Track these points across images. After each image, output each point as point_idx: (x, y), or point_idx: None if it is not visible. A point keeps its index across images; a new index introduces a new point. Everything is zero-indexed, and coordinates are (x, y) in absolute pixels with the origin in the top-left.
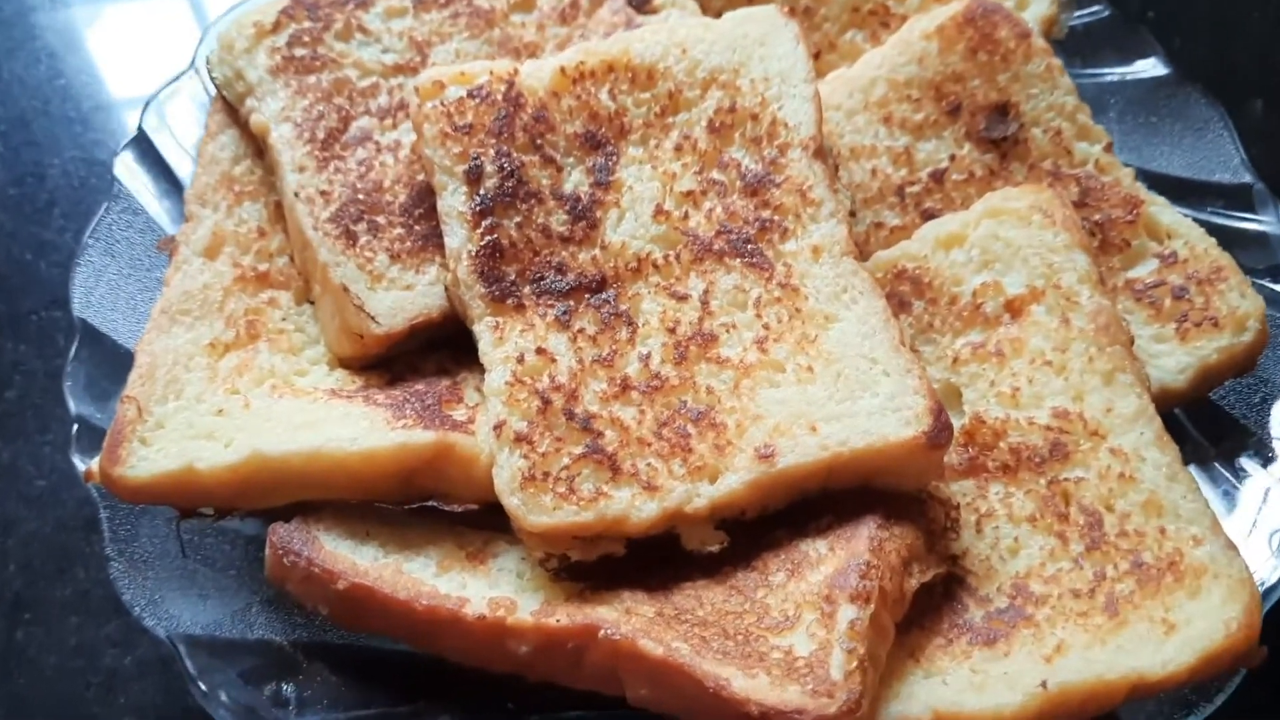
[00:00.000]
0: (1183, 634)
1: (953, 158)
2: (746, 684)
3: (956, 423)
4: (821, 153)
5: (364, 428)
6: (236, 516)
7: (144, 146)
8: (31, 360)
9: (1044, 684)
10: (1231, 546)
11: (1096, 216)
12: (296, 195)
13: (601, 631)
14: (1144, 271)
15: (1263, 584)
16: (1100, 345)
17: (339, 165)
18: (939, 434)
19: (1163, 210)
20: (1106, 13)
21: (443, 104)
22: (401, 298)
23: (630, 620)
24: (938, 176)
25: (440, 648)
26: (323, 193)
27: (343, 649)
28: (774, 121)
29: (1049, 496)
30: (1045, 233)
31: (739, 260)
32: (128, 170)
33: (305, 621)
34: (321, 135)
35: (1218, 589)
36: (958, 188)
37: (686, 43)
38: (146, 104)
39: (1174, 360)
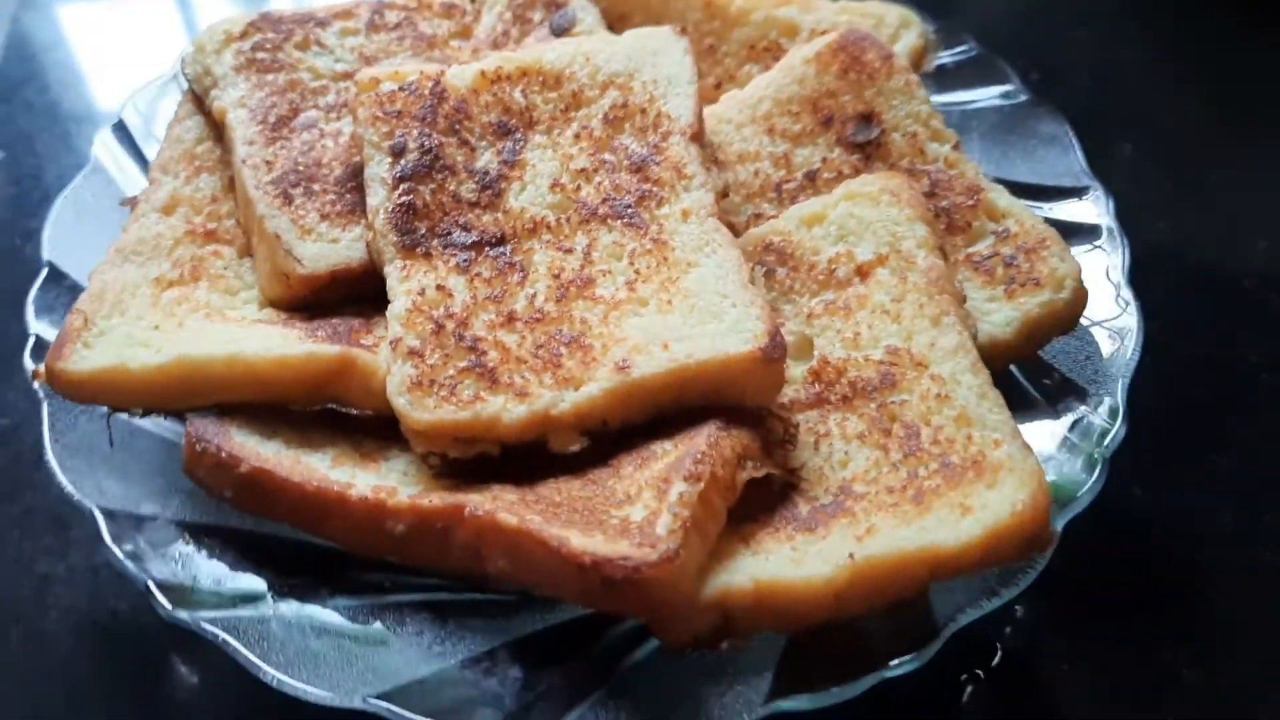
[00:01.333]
0: (977, 516)
1: (824, 160)
2: (584, 541)
3: (805, 365)
4: (698, 138)
5: (278, 341)
6: (161, 416)
7: (121, 131)
8: (7, 324)
9: (851, 555)
10: (1027, 448)
11: (944, 203)
12: (244, 162)
13: (467, 509)
14: (982, 247)
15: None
16: (930, 294)
17: (285, 144)
18: (773, 350)
19: (1000, 196)
20: (974, 51)
21: (377, 94)
22: (326, 248)
23: (494, 502)
24: (811, 176)
25: (326, 530)
26: (267, 162)
27: (243, 533)
28: (659, 114)
29: (877, 418)
30: (892, 209)
31: (619, 222)
32: (104, 148)
33: (214, 509)
34: (272, 120)
35: (1011, 480)
36: (827, 185)
37: (591, 53)
38: (129, 98)
39: (1001, 315)
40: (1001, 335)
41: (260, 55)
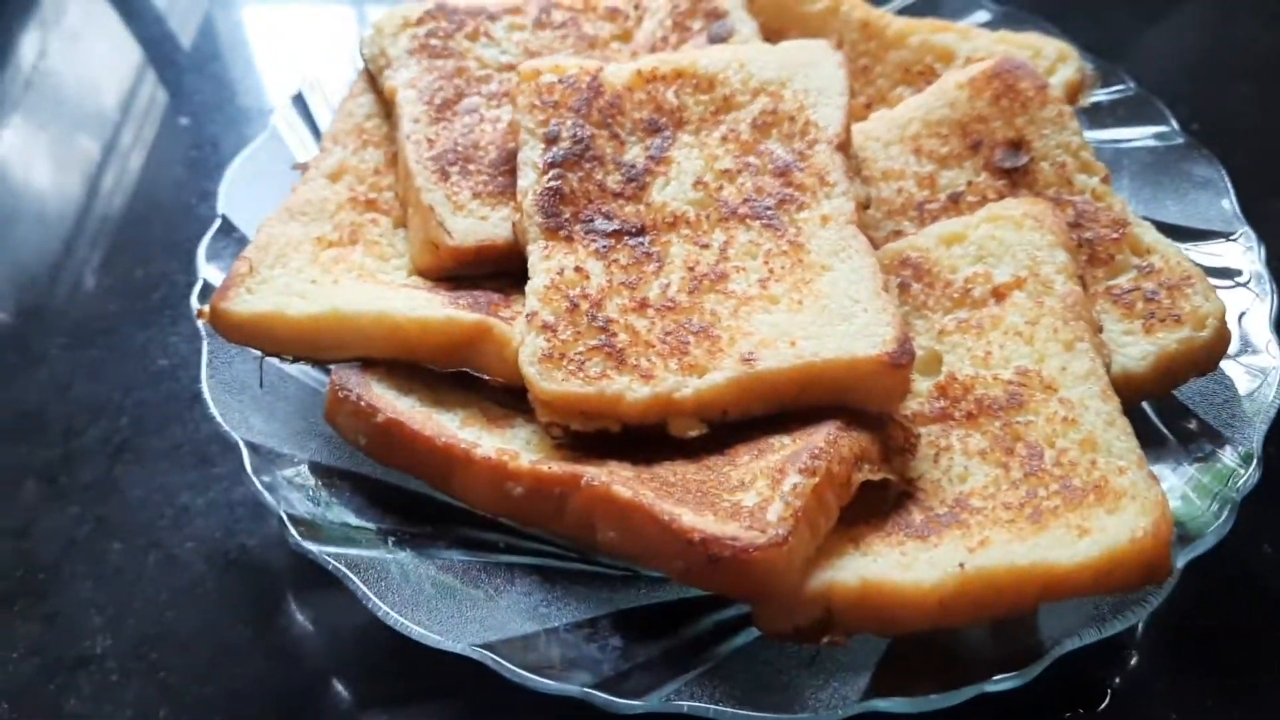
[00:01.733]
0: (1095, 538)
1: (969, 183)
2: (694, 519)
3: (933, 380)
4: (844, 148)
5: (423, 304)
6: (309, 364)
7: (300, 104)
8: (176, 275)
9: (961, 565)
10: (1153, 477)
11: (1087, 234)
12: (408, 137)
13: (584, 479)
14: (1123, 280)
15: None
16: (1065, 320)
17: (447, 125)
18: (900, 355)
19: (1146, 231)
20: (1131, 91)
21: (537, 84)
22: (476, 224)
23: (610, 476)
24: (955, 198)
25: (450, 485)
26: (429, 139)
27: (372, 480)
28: (807, 122)
29: (1000, 436)
30: (1034, 234)
31: (758, 222)
32: (282, 117)
33: (348, 456)
34: (438, 102)
35: (1133, 507)
36: (970, 208)
37: (745, 59)
38: (308, 76)
39: (1138, 349)
40: (1136, 369)
41: (433, 42)
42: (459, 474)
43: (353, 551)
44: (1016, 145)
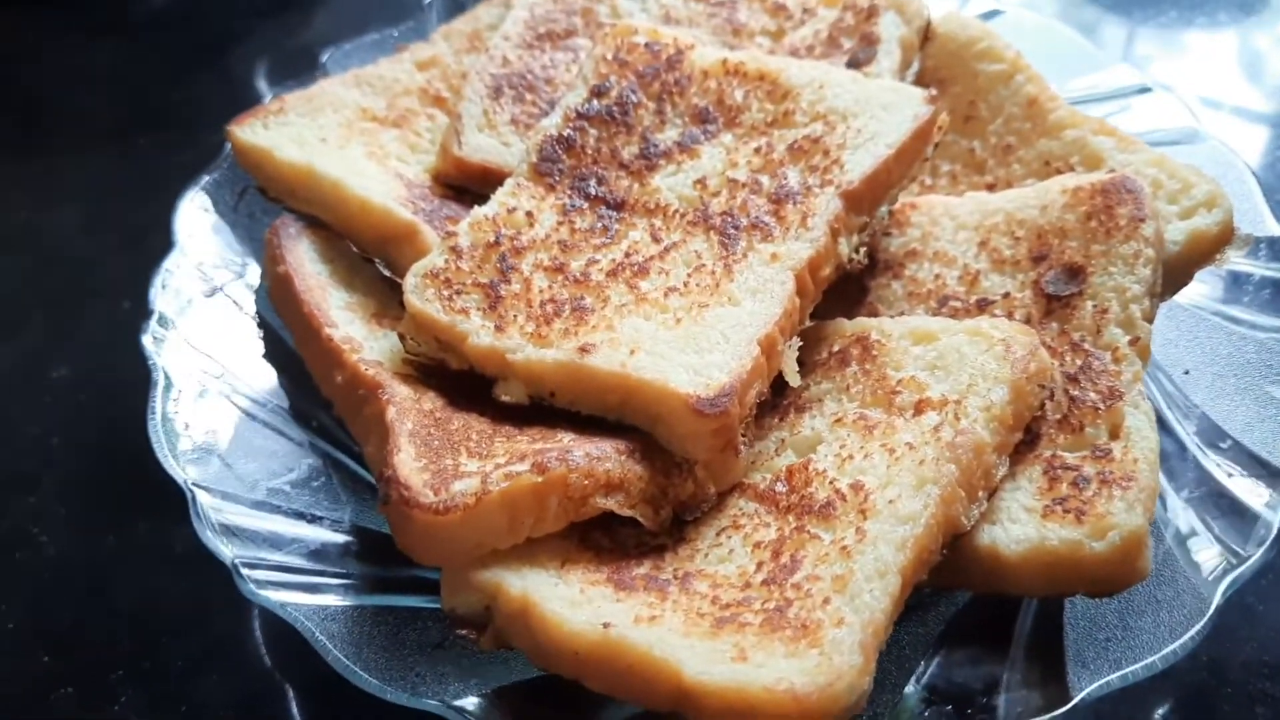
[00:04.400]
0: (743, 669)
1: (1006, 295)
2: (405, 460)
3: (794, 461)
4: (850, 199)
5: (378, 188)
6: (283, 207)
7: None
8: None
9: (606, 625)
10: (868, 653)
11: (1075, 393)
12: (489, 48)
13: (382, 391)
14: (1073, 456)
15: None
16: (940, 458)
17: (537, 52)
18: (709, 404)
19: (1136, 415)
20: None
21: (623, 41)
22: (492, 144)
23: (404, 402)
24: (983, 305)
25: (304, 350)
26: (506, 57)
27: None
28: (836, 161)
29: (782, 537)
30: (990, 361)
31: (718, 236)
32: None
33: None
34: (543, 30)
35: (811, 660)
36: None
37: (829, 83)
38: None
39: (1019, 529)
40: (1006, 554)
41: None
42: (310, 345)
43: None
44: (1075, 272)
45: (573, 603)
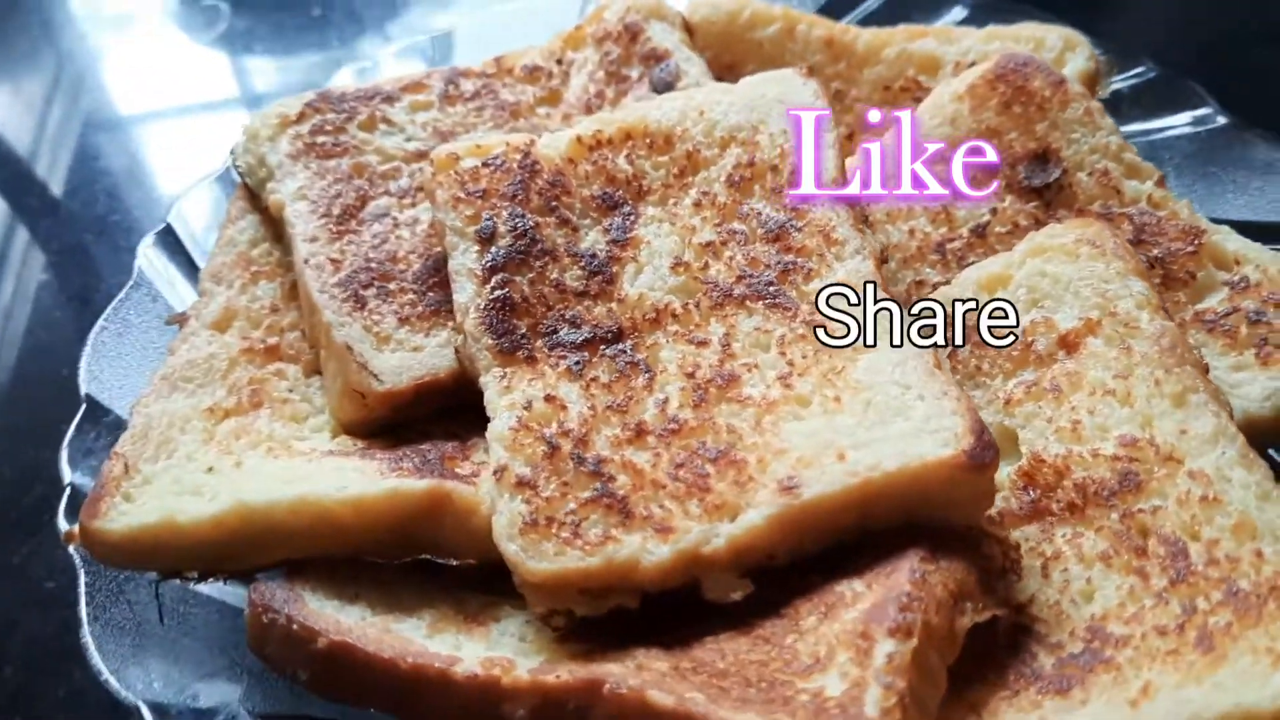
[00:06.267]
0: None
1: (994, 211)
2: None
3: (1013, 465)
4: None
5: (355, 478)
6: (221, 579)
7: (169, 238)
8: (54, 467)
9: None
10: None
11: (1155, 251)
12: (306, 262)
13: (606, 686)
14: (1214, 302)
15: None
16: (1167, 367)
17: (353, 238)
18: (981, 452)
19: (1228, 238)
20: (1153, 73)
21: (457, 172)
22: (408, 358)
23: (640, 675)
24: (980, 231)
25: (425, 716)
26: (333, 260)
27: None
28: (794, 170)
29: (1123, 531)
30: (1096, 263)
31: (761, 303)
32: (148, 259)
33: (288, 693)
34: (337, 211)
35: None
36: (1001, 240)
37: (704, 106)
38: (176, 200)
39: (1257, 387)
40: (1259, 412)
41: (320, 139)
42: (437, 702)
43: None
44: (1042, 157)
45: None
